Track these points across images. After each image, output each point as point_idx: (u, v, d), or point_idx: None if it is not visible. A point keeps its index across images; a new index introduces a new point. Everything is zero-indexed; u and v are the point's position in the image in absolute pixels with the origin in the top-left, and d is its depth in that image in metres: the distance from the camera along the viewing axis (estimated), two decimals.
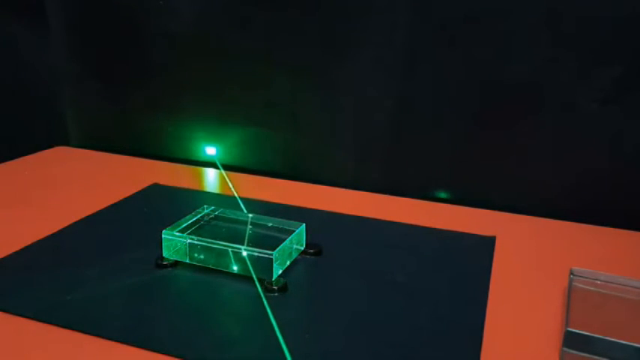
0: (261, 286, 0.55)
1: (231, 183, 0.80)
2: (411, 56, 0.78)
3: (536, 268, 0.62)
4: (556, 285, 0.58)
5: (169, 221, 0.62)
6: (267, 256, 0.56)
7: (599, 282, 0.55)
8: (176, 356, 0.46)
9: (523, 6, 0.71)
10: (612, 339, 0.45)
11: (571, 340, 0.46)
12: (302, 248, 0.63)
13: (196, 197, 0.79)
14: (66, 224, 0.69)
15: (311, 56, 0.83)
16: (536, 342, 0.49)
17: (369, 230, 0.70)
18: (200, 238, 0.59)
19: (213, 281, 0.57)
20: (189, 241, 0.59)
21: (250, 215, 0.65)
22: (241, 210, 0.69)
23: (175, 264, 0.60)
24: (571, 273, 0.55)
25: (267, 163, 0.90)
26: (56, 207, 0.74)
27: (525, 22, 0.72)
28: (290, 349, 0.46)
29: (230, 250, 0.57)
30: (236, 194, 0.75)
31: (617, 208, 0.74)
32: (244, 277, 0.57)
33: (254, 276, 0.56)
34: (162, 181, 0.84)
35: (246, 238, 0.60)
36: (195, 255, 0.59)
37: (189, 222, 0.63)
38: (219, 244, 0.58)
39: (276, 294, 0.55)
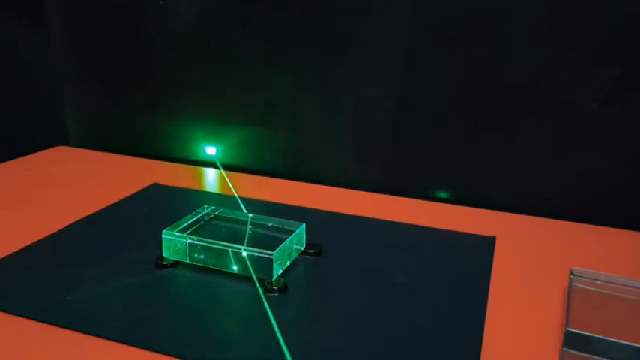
0: (261, 286, 0.55)
1: (231, 183, 0.80)
2: (411, 56, 0.78)
3: (536, 268, 0.62)
4: (556, 285, 0.58)
5: (169, 221, 0.62)
6: (267, 256, 0.56)
7: (599, 282, 0.55)
8: (176, 356, 0.46)
9: (523, 6, 0.71)
10: (612, 339, 0.45)
11: (571, 340, 0.46)
12: (302, 248, 0.63)
13: (196, 197, 0.79)
14: (66, 224, 0.69)
15: (311, 56, 0.83)
16: (536, 342, 0.49)
17: (369, 230, 0.70)
18: (200, 238, 0.59)
19: (213, 281, 0.57)
20: (189, 241, 0.59)
21: (250, 215, 0.65)
22: (241, 210, 0.69)
23: (175, 264, 0.60)
24: (571, 273, 0.55)
25: (267, 163, 0.90)
26: (56, 207, 0.74)
27: (525, 22, 0.72)
28: (290, 349, 0.46)
29: (230, 250, 0.57)
30: (236, 194, 0.75)
31: (617, 208, 0.74)
32: (244, 277, 0.57)
33: (254, 276, 0.56)
34: (162, 181, 0.84)
35: (246, 238, 0.60)
36: (195, 255, 0.59)
37: (189, 222, 0.63)
38: (219, 244, 0.58)
39: (276, 294, 0.55)
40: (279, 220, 0.63)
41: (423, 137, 0.81)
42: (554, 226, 0.73)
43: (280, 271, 0.58)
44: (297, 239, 0.62)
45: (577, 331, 0.46)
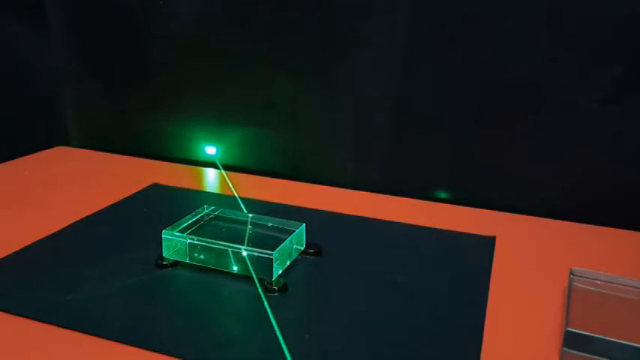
0: (261, 286, 0.55)
1: (231, 183, 0.80)
2: (411, 56, 0.78)
3: (536, 268, 0.62)
4: (556, 285, 0.58)
5: (169, 221, 0.62)
6: (267, 256, 0.56)
7: (599, 282, 0.55)
8: (176, 356, 0.46)
9: (523, 6, 0.71)
10: (612, 339, 0.45)
11: (571, 340, 0.46)
12: (302, 248, 0.63)
13: (196, 197, 0.79)
14: (66, 224, 0.69)
15: (311, 56, 0.83)
16: (536, 342, 0.49)
17: (369, 230, 0.70)
18: (200, 238, 0.59)
19: (213, 281, 0.57)
20: (189, 241, 0.59)
21: (250, 215, 0.65)
22: (241, 210, 0.69)
23: (175, 264, 0.60)
24: (571, 273, 0.55)
25: (267, 163, 0.90)
26: (56, 207, 0.74)
27: (525, 22, 0.72)
28: (290, 349, 0.46)
29: (230, 250, 0.57)
30: (236, 194, 0.75)
31: (617, 208, 0.74)
32: (244, 277, 0.57)
33: (254, 276, 0.56)
34: (162, 181, 0.84)
35: (246, 238, 0.60)
36: (195, 255, 0.59)
37: (189, 222, 0.63)
38: (219, 244, 0.58)
39: (276, 294, 0.55)
40: (279, 220, 0.63)
41: (423, 137, 0.81)
42: (554, 226, 0.73)
43: (280, 271, 0.58)
44: (297, 239, 0.62)
45: (577, 331, 0.46)
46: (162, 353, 0.47)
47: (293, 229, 0.61)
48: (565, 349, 0.46)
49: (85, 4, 0.94)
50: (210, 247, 0.58)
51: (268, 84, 0.87)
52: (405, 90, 0.80)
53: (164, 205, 0.76)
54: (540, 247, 0.67)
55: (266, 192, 0.80)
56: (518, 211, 0.76)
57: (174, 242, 0.60)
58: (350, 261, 0.62)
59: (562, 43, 0.71)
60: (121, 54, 0.95)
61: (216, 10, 0.86)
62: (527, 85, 0.74)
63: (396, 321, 0.52)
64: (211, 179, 0.89)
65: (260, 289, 0.55)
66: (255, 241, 0.59)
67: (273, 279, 0.56)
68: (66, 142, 1.02)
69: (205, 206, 0.66)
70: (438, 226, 0.71)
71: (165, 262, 0.60)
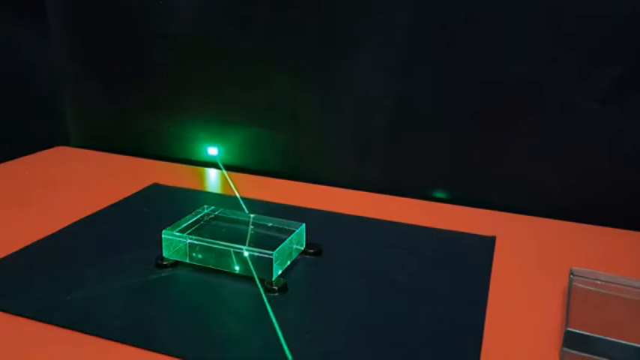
0: (261, 285, 0.55)
1: (232, 183, 0.80)
2: (411, 56, 0.78)
3: (536, 268, 0.62)
4: (556, 285, 0.58)
5: (169, 221, 0.62)
6: (267, 256, 0.56)
7: (599, 282, 0.55)
8: (176, 356, 0.46)
9: (523, 6, 0.71)
10: (612, 339, 0.45)
11: (571, 340, 0.46)
12: (302, 248, 0.63)
13: (196, 197, 0.79)
14: (66, 224, 0.69)
15: (311, 56, 0.83)
16: (536, 342, 0.49)
17: (369, 230, 0.70)
18: (200, 238, 0.59)
19: (213, 281, 0.57)
20: (189, 241, 0.59)
21: (250, 215, 0.65)
22: (242, 210, 0.69)
23: (175, 264, 0.60)
24: (571, 273, 0.55)
25: (268, 163, 0.90)
26: (56, 207, 0.74)
27: (525, 22, 0.72)
28: (290, 349, 0.46)
29: (230, 250, 0.57)
30: (237, 194, 0.75)
31: (617, 208, 0.74)
32: (244, 277, 0.57)
33: (254, 276, 0.56)
34: (163, 181, 0.84)
35: (247, 238, 0.60)
36: (195, 255, 0.59)
37: (189, 222, 0.63)
38: (219, 244, 0.58)
39: (276, 294, 0.55)
40: (280, 220, 0.63)
41: (423, 137, 0.81)
42: (554, 226, 0.73)
43: (280, 271, 0.58)
44: (297, 239, 0.62)
45: (577, 331, 0.46)
46: (162, 353, 0.47)
47: (293, 229, 0.61)
48: (565, 349, 0.46)
49: (85, 4, 0.94)
50: (210, 247, 0.58)
51: (268, 84, 0.87)
52: (405, 90, 0.80)
53: (164, 205, 0.76)
54: (540, 247, 0.67)
55: (266, 192, 0.80)
56: (518, 211, 0.76)
57: (174, 242, 0.60)
58: (350, 261, 0.62)
59: (562, 43, 0.71)
60: (121, 54, 0.95)
61: (216, 10, 0.86)
62: (527, 85, 0.74)
63: (396, 321, 0.52)
64: (211, 179, 0.89)
65: (260, 289, 0.55)
66: (255, 241, 0.59)
67: (273, 279, 0.56)
68: (66, 142, 1.02)
69: (205, 206, 0.66)
70: (438, 226, 0.71)
71: (165, 262, 0.60)
